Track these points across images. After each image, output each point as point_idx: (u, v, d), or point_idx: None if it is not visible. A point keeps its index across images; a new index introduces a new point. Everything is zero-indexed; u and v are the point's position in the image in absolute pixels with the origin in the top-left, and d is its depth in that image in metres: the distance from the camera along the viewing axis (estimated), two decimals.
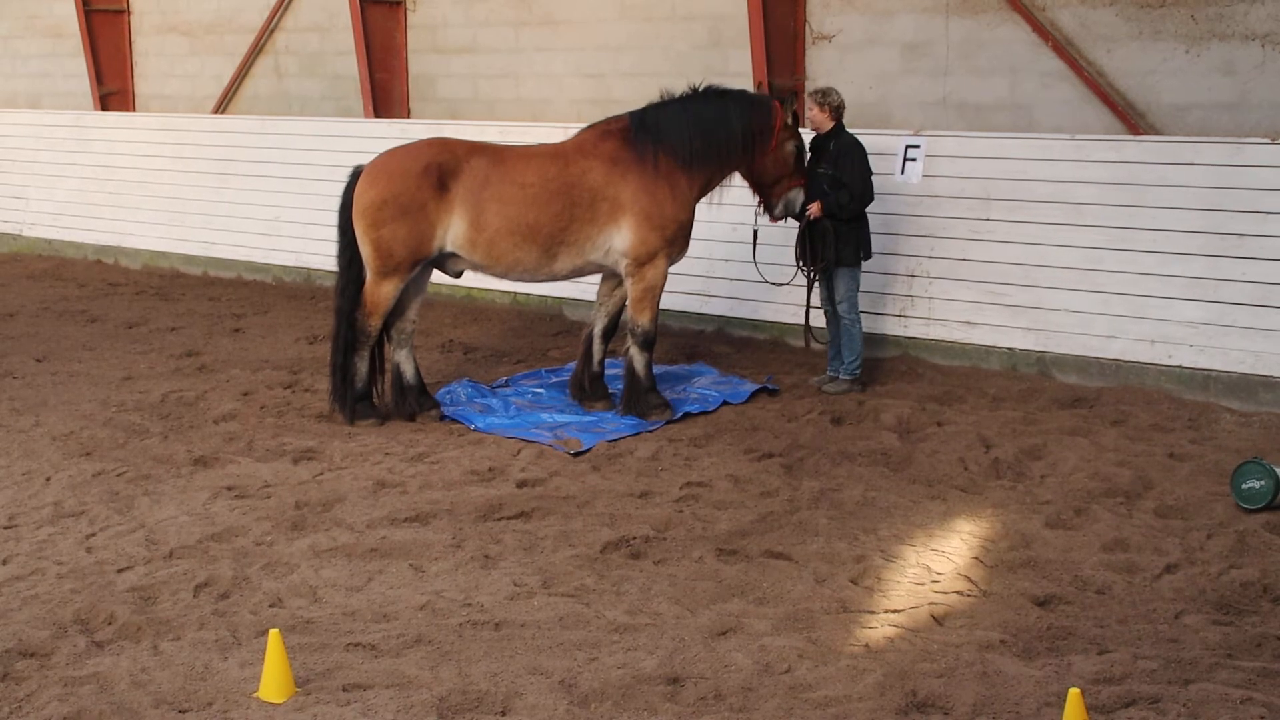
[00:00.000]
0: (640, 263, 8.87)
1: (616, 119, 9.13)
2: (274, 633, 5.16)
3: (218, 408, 9.43)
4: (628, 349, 9.08)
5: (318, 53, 16.03)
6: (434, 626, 5.77)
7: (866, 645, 5.55)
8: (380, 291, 8.86)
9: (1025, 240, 9.93)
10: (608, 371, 9.82)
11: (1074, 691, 4.48)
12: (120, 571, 6.45)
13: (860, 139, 9.47)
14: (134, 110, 17.94)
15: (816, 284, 9.59)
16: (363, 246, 8.83)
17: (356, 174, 8.97)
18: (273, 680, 5.13)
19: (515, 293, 12.61)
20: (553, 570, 6.42)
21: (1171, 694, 5.03)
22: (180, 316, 12.94)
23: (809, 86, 11.88)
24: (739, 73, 12.08)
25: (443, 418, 9.09)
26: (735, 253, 10.76)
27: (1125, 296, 9.46)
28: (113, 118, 17.41)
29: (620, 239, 8.83)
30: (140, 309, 13.39)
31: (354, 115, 15.29)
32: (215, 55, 17.10)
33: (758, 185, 9.27)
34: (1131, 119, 10.28)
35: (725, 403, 9.30)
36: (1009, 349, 9.94)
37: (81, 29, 17.68)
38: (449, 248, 8.82)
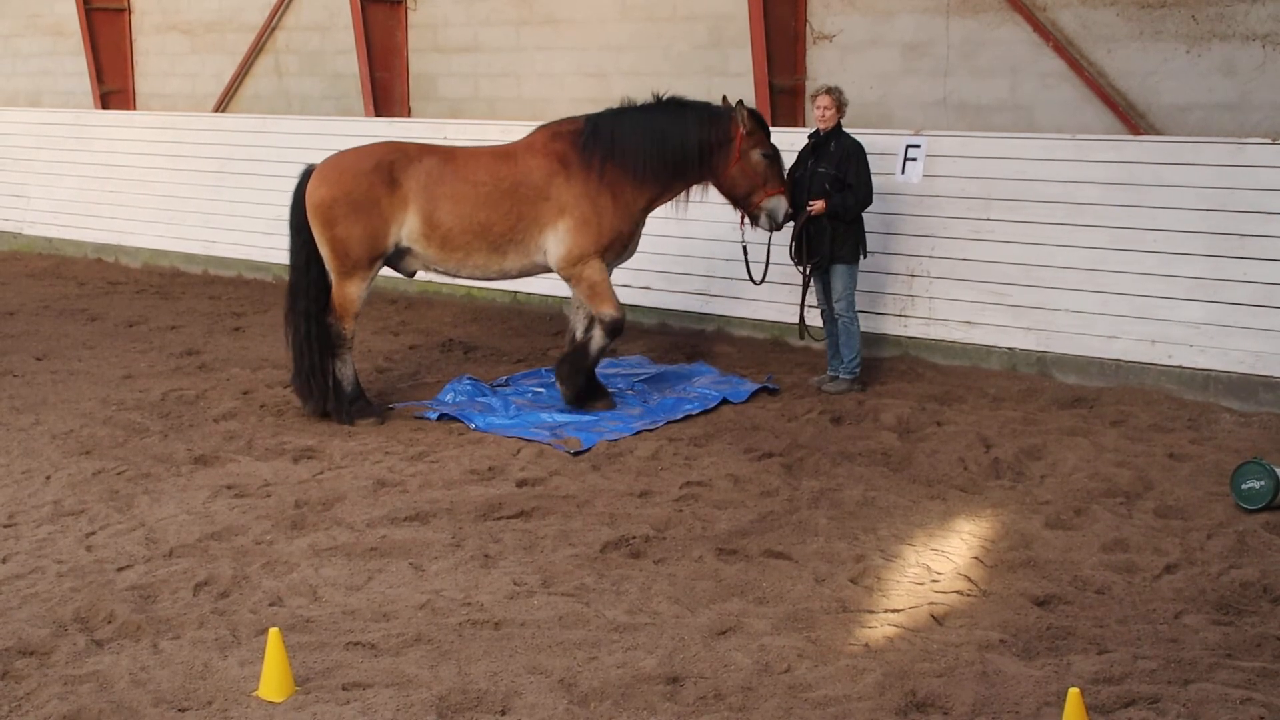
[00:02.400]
0: (571, 264, 8.86)
1: (571, 120, 9.13)
2: (274, 631, 5.16)
3: (218, 406, 9.43)
4: (591, 330, 9.09)
5: (318, 51, 16.03)
6: (434, 626, 5.77)
7: (866, 645, 5.54)
8: (346, 293, 8.90)
9: (1026, 240, 9.93)
10: (604, 371, 9.83)
11: (1074, 691, 4.48)
12: (120, 570, 6.45)
13: (859, 140, 9.48)
14: (134, 109, 17.95)
15: (813, 281, 9.58)
16: (321, 247, 8.89)
17: (307, 173, 9.01)
18: (272, 679, 5.13)
19: (515, 292, 12.61)
20: (552, 570, 6.42)
21: (1171, 694, 5.03)
22: (180, 315, 12.93)
23: (809, 87, 11.89)
24: (739, 73, 12.09)
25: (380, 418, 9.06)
26: (736, 253, 10.74)
27: (1125, 297, 9.46)
28: (113, 116, 17.41)
29: (555, 242, 8.85)
30: (140, 307, 13.38)
31: (355, 114, 15.30)
32: (216, 54, 17.10)
33: (731, 199, 9.15)
34: (1132, 119, 10.28)
35: (725, 402, 9.30)
36: (1009, 349, 9.93)
37: (82, 27, 17.68)
38: (404, 243, 8.86)
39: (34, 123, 18.13)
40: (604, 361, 10.42)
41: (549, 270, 9.12)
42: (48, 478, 7.90)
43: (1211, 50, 9.91)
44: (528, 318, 12.38)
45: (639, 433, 8.69)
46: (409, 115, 15.04)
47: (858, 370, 9.56)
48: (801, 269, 9.52)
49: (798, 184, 9.38)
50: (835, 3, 11.79)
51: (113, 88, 17.94)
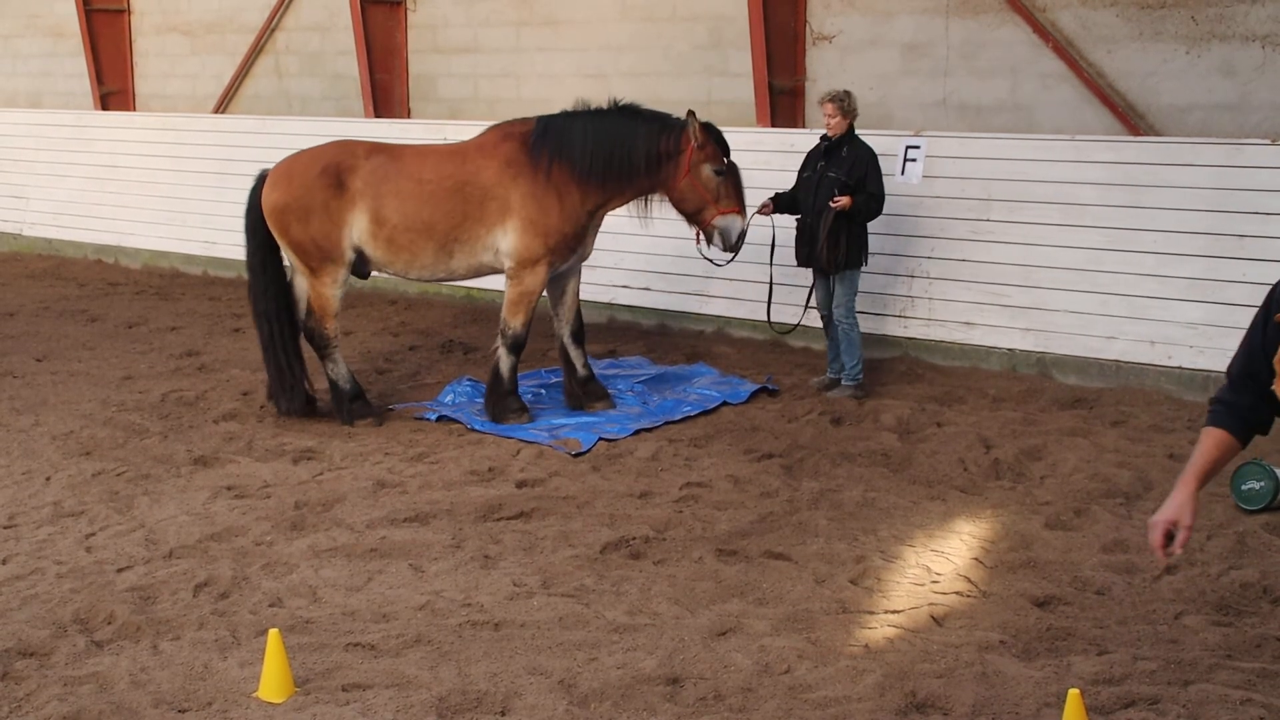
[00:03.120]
0: (522, 266, 8.79)
1: (524, 121, 9.05)
2: (274, 632, 5.16)
3: (218, 408, 9.43)
4: (496, 348, 9.00)
5: (318, 52, 16.03)
6: (433, 626, 5.77)
7: (866, 646, 5.54)
8: (320, 293, 8.90)
9: (1025, 241, 9.94)
10: (604, 372, 9.83)
11: (1073, 692, 4.48)
12: (120, 571, 6.45)
13: (781, 157, 9.42)
14: (134, 110, 17.94)
15: (815, 285, 9.54)
16: (284, 251, 8.94)
17: (262, 177, 9.05)
18: (272, 680, 5.13)
19: None
20: (552, 570, 6.42)
21: (1171, 695, 5.03)
22: (180, 316, 12.93)
23: (809, 88, 11.90)
24: (739, 73, 12.09)
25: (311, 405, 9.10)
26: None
27: (1125, 297, 9.46)
28: (113, 117, 17.41)
29: (505, 241, 8.78)
30: (140, 308, 13.38)
31: (354, 115, 15.30)
32: (216, 55, 17.10)
33: (682, 214, 8.94)
34: (1132, 120, 10.28)
35: (725, 403, 9.30)
36: (1009, 350, 9.94)
37: (82, 28, 17.68)
38: (357, 243, 8.84)
39: (34, 124, 18.13)
40: (604, 361, 10.44)
41: (497, 271, 9.02)
42: (48, 479, 7.90)
43: (1211, 51, 9.91)
44: None
45: (638, 433, 8.69)
46: (409, 116, 15.04)
47: (860, 376, 9.49)
48: (825, 271, 9.34)
49: (804, 185, 9.34)
50: (835, 3, 11.79)
51: (113, 89, 17.93)
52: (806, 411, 9.09)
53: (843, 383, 9.50)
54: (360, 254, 8.90)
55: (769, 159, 11.26)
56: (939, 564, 6.46)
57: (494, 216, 8.75)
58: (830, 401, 9.30)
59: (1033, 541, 6.72)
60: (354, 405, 9.04)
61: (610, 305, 11.90)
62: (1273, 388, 3.88)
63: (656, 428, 8.81)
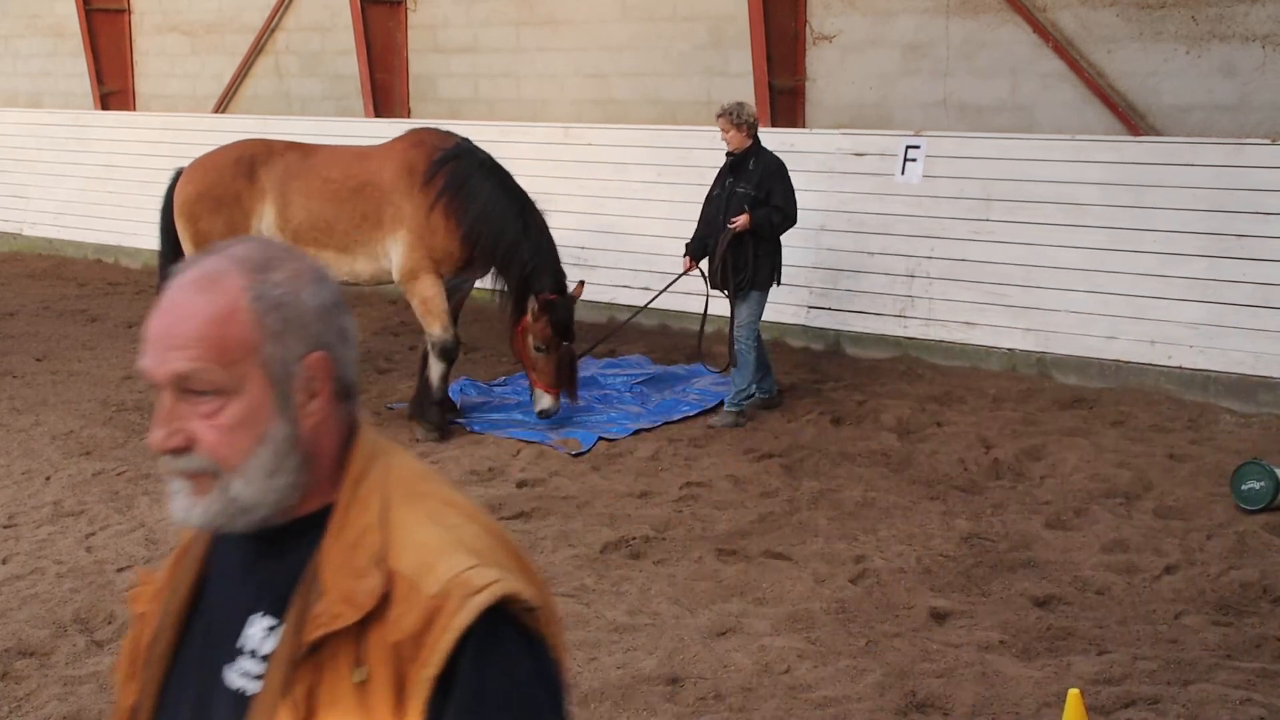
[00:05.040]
0: (404, 278, 8.63)
1: (443, 136, 8.82)
2: None
3: None
4: (425, 356, 8.76)
5: (318, 52, 16.03)
6: None
7: (866, 646, 5.54)
8: None
9: (1025, 241, 9.93)
10: (604, 371, 9.84)
11: (1073, 692, 4.47)
12: (120, 571, 6.45)
13: (781, 157, 8.91)
14: (134, 110, 17.94)
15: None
16: (184, 244, 8.87)
17: (177, 175, 9.09)
18: None
19: None
20: (552, 570, 6.42)
21: (1171, 695, 5.03)
22: None
23: (809, 88, 11.89)
24: (739, 73, 12.08)
25: None
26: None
27: (1125, 297, 9.46)
28: (113, 117, 17.41)
29: (395, 251, 8.61)
30: (141, 308, 13.37)
31: (354, 115, 15.29)
32: (216, 55, 17.10)
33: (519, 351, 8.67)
34: (1132, 120, 10.27)
35: (725, 402, 9.28)
36: (1009, 349, 9.93)
37: (82, 28, 17.67)
38: (270, 234, 8.76)
39: (34, 123, 18.12)
40: (603, 361, 10.43)
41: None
42: (48, 478, 7.90)
43: (1211, 51, 9.91)
44: None
45: (638, 433, 8.68)
46: (409, 116, 15.03)
47: (745, 404, 8.85)
48: (724, 293, 8.86)
49: (714, 203, 8.83)
50: (835, 3, 11.79)
51: (113, 88, 17.92)
52: (806, 412, 9.09)
53: (725, 407, 8.88)
54: None
55: None
56: (939, 564, 6.46)
57: (388, 223, 8.56)
58: (830, 402, 9.29)
59: (1033, 541, 6.72)
60: None
61: (610, 305, 11.89)
62: None
63: (656, 428, 8.80)
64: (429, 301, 8.62)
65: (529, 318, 8.41)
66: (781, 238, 8.86)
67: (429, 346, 8.72)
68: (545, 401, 8.56)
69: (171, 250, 8.99)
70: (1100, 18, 10.42)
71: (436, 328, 8.64)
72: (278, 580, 1.78)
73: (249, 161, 8.77)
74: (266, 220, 8.75)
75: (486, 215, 8.39)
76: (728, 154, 8.89)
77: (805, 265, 10.85)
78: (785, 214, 8.69)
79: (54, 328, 12.40)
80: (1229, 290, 9.02)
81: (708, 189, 9.06)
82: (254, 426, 1.74)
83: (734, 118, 8.67)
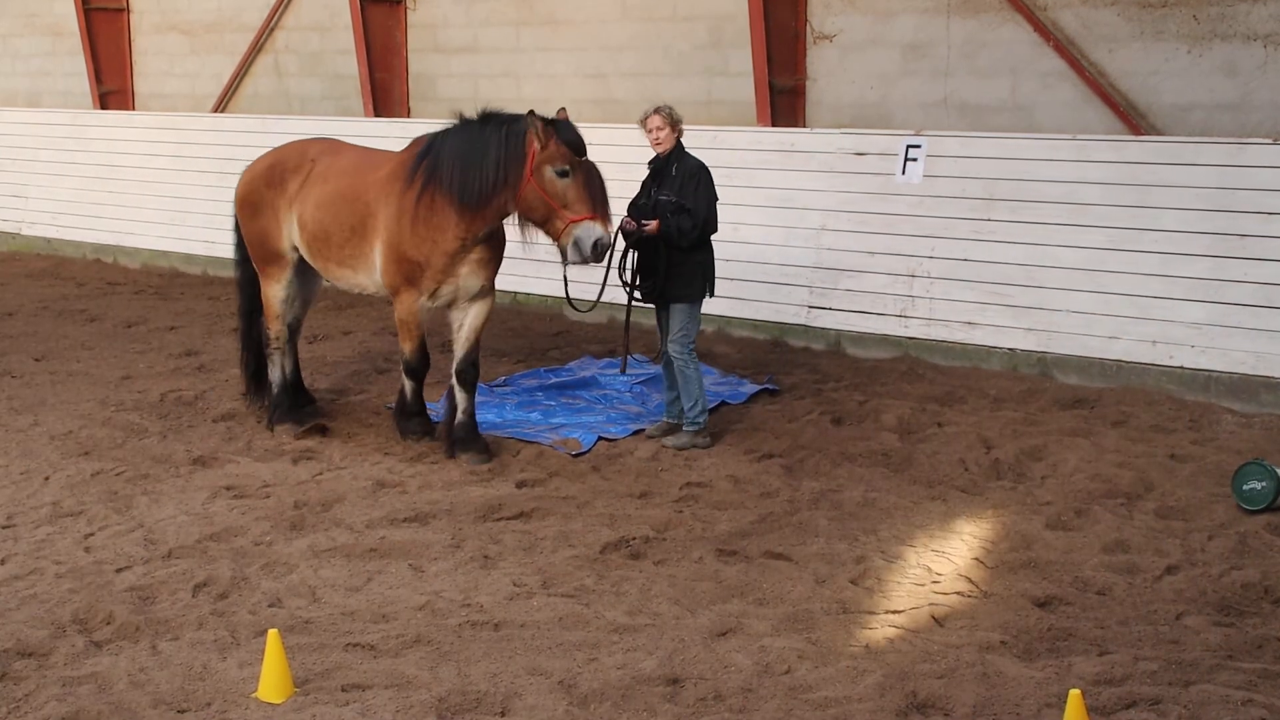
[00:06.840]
0: (390, 292, 8.25)
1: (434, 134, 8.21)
2: (273, 633, 5.14)
3: (217, 407, 9.42)
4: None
5: (318, 52, 16.02)
6: (433, 627, 5.76)
7: (867, 646, 5.53)
8: (266, 292, 8.86)
9: (1026, 241, 9.92)
10: (604, 371, 9.81)
11: (1074, 693, 4.47)
12: (119, 571, 6.44)
13: (705, 161, 8.40)
14: (133, 109, 17.93)
15: (637, 304, 8.54)
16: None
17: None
18: (271, 680, 5.12)
19: (515, 292, 12.59)
20: (552, 570, 6.41)
21: (1172, 695, 5.01)
22: (179, 316, 12.92)
23: (809, 87, 11.88)
24: (739, 73, 12.08)
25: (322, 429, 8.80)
26: (735, 253, 10.74)
27: (1126, 297, 9.45)
28: (112, 116, 17.40)
29: (376, 263, 8.24)
30: (139, 308, 13.37)
31: (354, 115, 15.28)
32: (215, 54, 17.09)
33: (536, 227, 7.89)
34: (1133, 119, 10.26)
35: (724, 402, 9.27)
36: (1010, 350, 9.92)
37: (81, 27, 17.66)
38: (296, 245, 8.65)
39: (33, 123, 18.12)
40: (603, 361, 10.42)
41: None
42: (46, 479, 7.88)
43: (1213, 50, 9.90)
44: (527, 318, 12.36)
45: (638, 433, 8.67)
46: (409, 115, 15.02)
47: (702, 420, 8.38)
48: (628, 290, 8.40)
49: (639, 213, 8.30)
50: (835, 3, 11.78)
51: (112, 88, 17.91)
52: (807, 412, 9.08)
53: (683, 428, 8.48)
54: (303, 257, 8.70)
55: (769, 159, 11.26)
56: (939, 564, 6.45)
57: (372, 235, 8.19)
58: (831, 402, 9.27)
59: (1033, 541, 6.71)
60: (277, 412, 8.87)
61: (611, 305, 11.88)
62: None
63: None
64: (404, 323, 8.24)
65: (537, 148, 7.59)
66: (712, 242, 8.40)
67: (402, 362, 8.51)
68: (596, 230, 7.59)
69: (239, 244, 9.00)
70: (1101, 17, 10.41)
71: (407, 347, 8.34)
72: None
73: (280, 169, 8.65)
74: (293, 227, 8.58)
75: (452, 164, 7.77)
76: (650, 161, 8.44)
77: (806, 265, 10.84)
78: (698, 221, 8.10)
79: (53, 327, 12.39)
80: (1231, 290, 9.02)
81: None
82: None
83: (670, 115, 8.25)
